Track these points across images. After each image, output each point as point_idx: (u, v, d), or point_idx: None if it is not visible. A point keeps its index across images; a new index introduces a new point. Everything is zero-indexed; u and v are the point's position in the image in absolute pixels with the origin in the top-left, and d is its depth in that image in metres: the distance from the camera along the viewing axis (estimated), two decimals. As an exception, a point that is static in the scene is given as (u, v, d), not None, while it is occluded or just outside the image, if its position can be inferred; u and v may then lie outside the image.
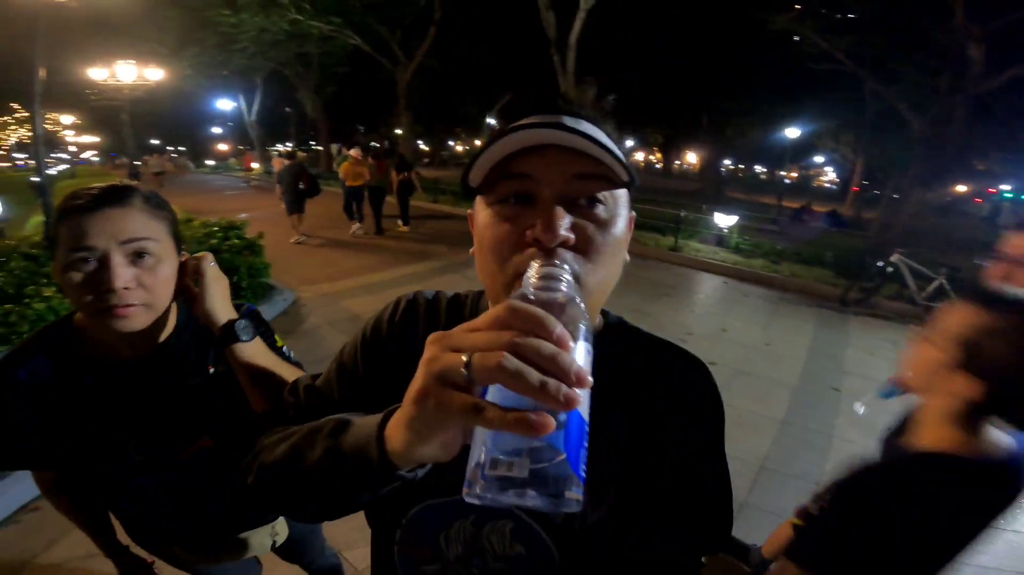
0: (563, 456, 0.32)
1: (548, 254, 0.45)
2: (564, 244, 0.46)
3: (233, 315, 0.84)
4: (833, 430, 3.39)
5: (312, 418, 0.55)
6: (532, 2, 12.34)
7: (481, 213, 0.53)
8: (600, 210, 0.49)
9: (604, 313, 0.66)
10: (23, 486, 2.42)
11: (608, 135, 0.52)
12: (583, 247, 0.48)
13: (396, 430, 0.41)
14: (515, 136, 0.46)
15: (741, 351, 4.65)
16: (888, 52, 10.44)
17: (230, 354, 0.83)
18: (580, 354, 0.34)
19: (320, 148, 26.05)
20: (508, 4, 15.77)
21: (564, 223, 0.46)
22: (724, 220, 9.40)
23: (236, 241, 4.78)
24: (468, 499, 0.33)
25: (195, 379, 0.90)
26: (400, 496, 0.60)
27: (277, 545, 1.20)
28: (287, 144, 33.16)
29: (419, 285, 5.52)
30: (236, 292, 4.42)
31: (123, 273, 0.75)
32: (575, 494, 0.32)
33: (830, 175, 45.11)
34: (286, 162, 9.09)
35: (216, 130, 37.16)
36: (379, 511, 0.65)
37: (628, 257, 0.56)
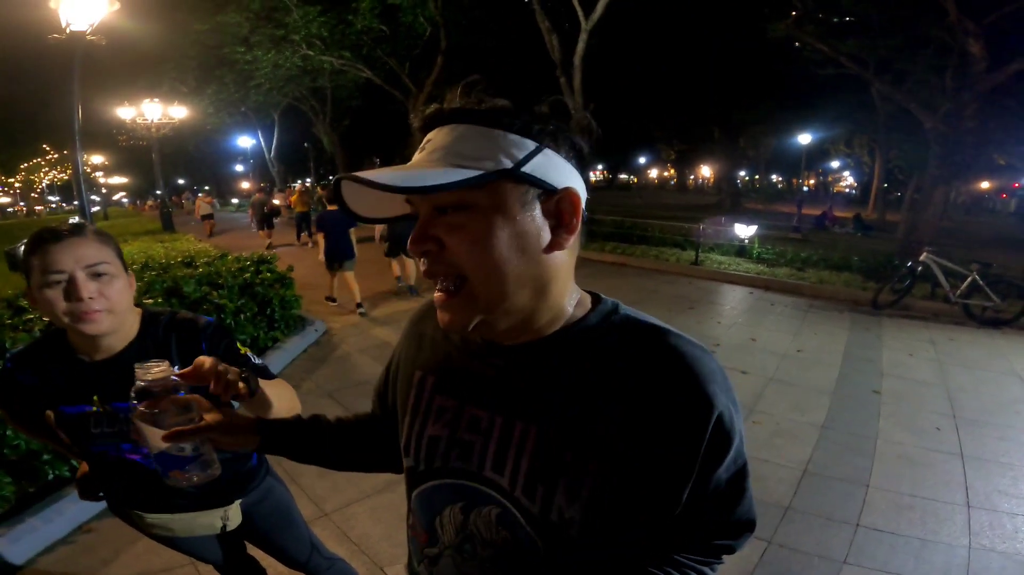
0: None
1: (424, 261, 0.56)
2: (430, 254, 0.55)
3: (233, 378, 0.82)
4: (878, 433, 3.33)
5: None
6: (535, 25, 12.66)
7: None
8: (459, 214, 0.53)
9: (597, 299, 0.63)
10: (79, 508, 2.52)
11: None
12: (447, 251, 0.55)
13: None
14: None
15: (773, 359, 4.60)
16: (891, 53, 10.37)
17: (248, 402, 0.88)
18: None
19: (339, 182, 26.60)
20: (512, 29, 16.19)
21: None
22: (744, 231, 9.36)
23: (268, 275, 4.91)
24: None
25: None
26: (407, 481, 0.71)
27: (228, 529, 1.29)
28: (307, 180, 34.17)
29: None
30: (270, 324, 4.62)
31: (87, 287, 0.97)
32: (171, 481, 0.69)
33: (848, 180, 44.52)
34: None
35: (238, 168, 38.46)
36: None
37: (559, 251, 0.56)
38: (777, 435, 3.27)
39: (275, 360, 4.35)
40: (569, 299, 0.60)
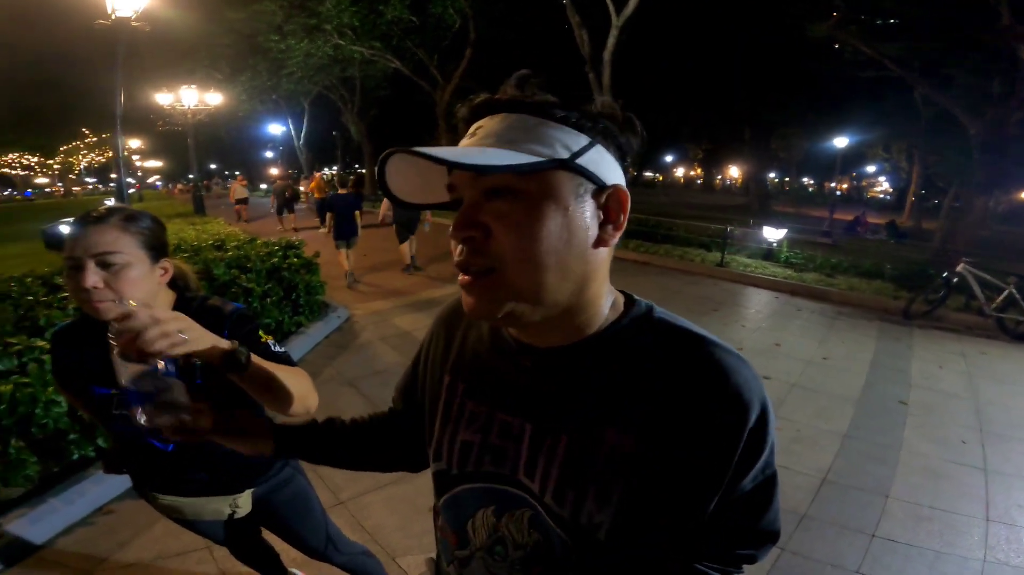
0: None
1: (462, 249, 0.54)
2: (473, 242, 0.53)
3: (223, 345, 0.83)
4: (901, 443, 3.25)
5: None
6: (565, 21, 12.54)
7: None
8: (510, 201, 0.51)
9: (631, 300, 0.62)
10: (100, 489, 2.56)
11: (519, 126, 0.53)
12: (493, 239, 0.52)
13: None
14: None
15: (797, 365, 4.51)
16: (937, 57, 10.00)
17: (234, 378, 0.87)
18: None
19: (364, 171, 27.07)
20: (541, 24, 16.07)
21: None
22: (773, 234, 9.17)
23: (295, 260, 4.97)
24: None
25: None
26: (436, 484, 0.71)
27: (236, 517, 1.30)
28: (333, 168, 34.64)
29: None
30: (295, 309, 4.69)
31: (91, 277, 0.97)
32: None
33: (884, 185, 43.14)
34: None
35: (268, 154, 39.21)
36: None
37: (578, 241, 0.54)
38: (797, 442, 3.22)
39: (298, 345, 4.42)
40: (605, 300, 0.59)
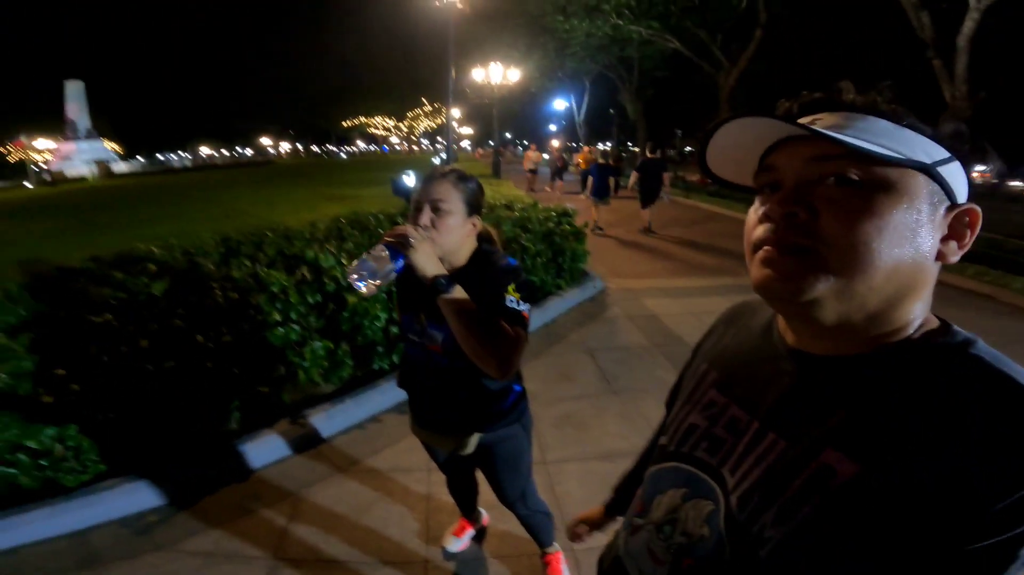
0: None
1: (776, 224, 0.51)
2: (794, 218, 0.50)
3: (441, 271, 1.14)
4: None
5: None
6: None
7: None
8: (852, 188, 0.49)
9: (945, 329, 0.53)
10: (377, 399, 3.00)
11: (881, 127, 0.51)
12: (821, 221, 0.49)
13: None
14: (741, 129, 0.53)
15: None
16: None
17: (439, 302, 1.13)
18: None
19: (636, 150, 27.15)
20: (844, 2, 13.13)
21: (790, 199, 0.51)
22: None
23: (567, 227, 5.29)
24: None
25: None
26: (655, 456, 0.74)
27: (460, 453, 1.47)
28: (607, 143, 35.87)
29: (720, 297, 5.14)
30: (558, 272, 5.01)
31: (425, 217, 1.23)
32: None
33: None
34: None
35: (551, 127, 43.02)
36: None
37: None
38: None
39: (553, 306, 4.69)
40: (914, 320, 0.53)
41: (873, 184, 0.49)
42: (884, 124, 0.51)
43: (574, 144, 26.45)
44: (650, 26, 15.65)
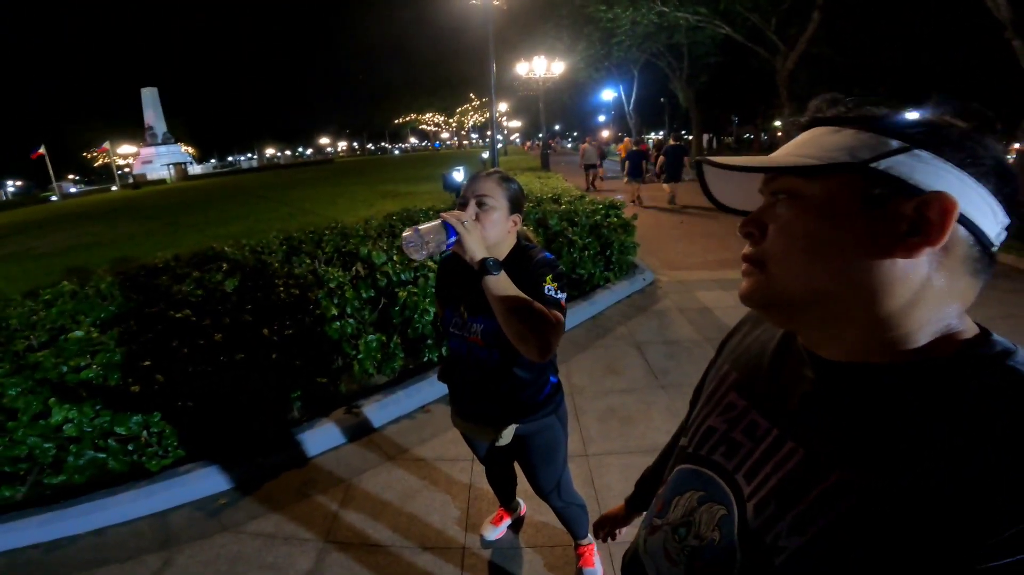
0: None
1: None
2: (751, 236, 0.57)
3: (479, 256, 1.19)
4: None
5: None
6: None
7: None
8: (789, 201, 0.54)
9: (983, 339, 0.50)
10: (426, 390, 3.09)
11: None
12: (767, 236, 0.56)
13: None
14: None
15: None
16: None
17: (484, 285, 1.18)
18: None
19: (691, 137, 26.20)
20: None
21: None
22: None
23: (614, 219, 5.27)
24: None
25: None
26: (674, 457, 0.76)
27: (497, 444, 1.53)
28: (659, 133, 34.81)
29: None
30: (606, 265, 4.98)
31: (471, 211, 1.33)
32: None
33: None
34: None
35: (601, 118, 42.12)
36: None
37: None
38: None
39: (601, 299, 4.66)
40: (922, 325, 0.50)
41: (798, 194, 0.53)
42: (818, 132, 0.54)
43: (620, 135, 26.16)
44: (697, 12, 14.99)
